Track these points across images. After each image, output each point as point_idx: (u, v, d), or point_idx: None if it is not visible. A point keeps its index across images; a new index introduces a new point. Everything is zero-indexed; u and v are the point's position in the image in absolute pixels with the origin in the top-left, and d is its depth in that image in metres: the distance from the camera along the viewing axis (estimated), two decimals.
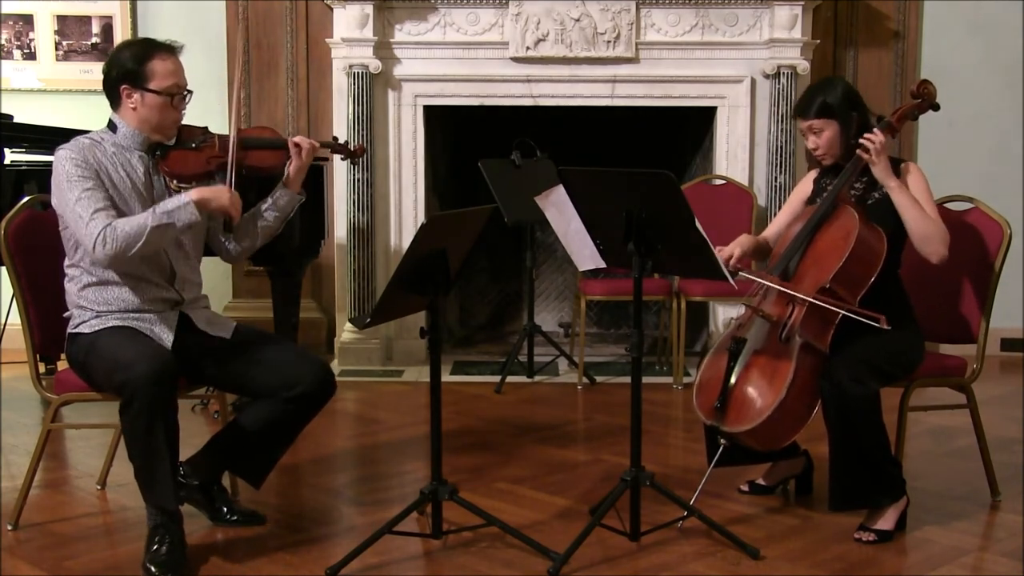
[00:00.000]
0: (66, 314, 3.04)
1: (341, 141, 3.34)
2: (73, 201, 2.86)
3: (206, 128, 3.14)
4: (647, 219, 2.83)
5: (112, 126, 3.03)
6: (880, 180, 3.14)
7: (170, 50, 3.01)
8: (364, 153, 3.39)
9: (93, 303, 2.96)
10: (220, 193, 2.97)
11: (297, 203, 3.21)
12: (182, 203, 2.90)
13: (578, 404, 4.85)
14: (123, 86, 2.97)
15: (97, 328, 2.94)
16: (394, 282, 2.81)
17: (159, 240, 2.89)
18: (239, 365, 3.03)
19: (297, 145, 3.13)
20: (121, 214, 2.91)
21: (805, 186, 3.44)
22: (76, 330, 2.98)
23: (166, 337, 2.97)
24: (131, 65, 2.96)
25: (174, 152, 3.05)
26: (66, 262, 3.03)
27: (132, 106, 2.98)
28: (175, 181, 3.05)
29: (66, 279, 3.03)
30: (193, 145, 3.07)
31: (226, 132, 3.09)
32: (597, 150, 5.84)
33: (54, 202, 2.94)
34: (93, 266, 2.96)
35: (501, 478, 3.67)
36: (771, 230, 3.47)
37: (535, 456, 3.95)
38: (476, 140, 5.75)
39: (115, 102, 3.02)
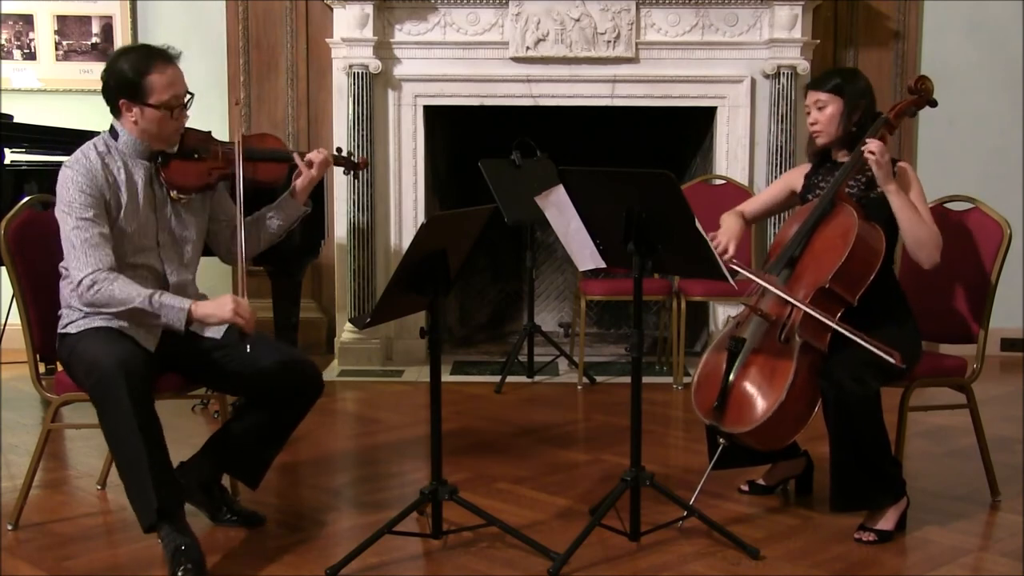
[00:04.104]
0: (58, 312, 3.03)
1: (344, 153, 3.34)
2: (69, 229, 2.86)
3: (209, 134, 3.12)
4: (647, 219, 2.83)
5: (114, 132, 3.00)
6: (880, 184, 3.13)
7: (168, 59, 2.95)
8: (367, 166, 3.32)
9: None
10: (222, 308, 2.84)
11: (302, 214, 3.22)
12: (180, 307, 2.84)
13: (578, 404, 4.85)
14: (121, 100, 2.93)
15: (83, 328, 2.91)
16: (394, 282, 2.81)
17: (138, 316, 2.86)
18: (229, 366, 3.01)
19: (310, 162, 3.13)
20: (120, 240, 2.91)
21: (795, 177, 3.41)
22: (64, 330, 2.97)
23: (151, 339, 2.93)
24: (129, 77, 2.90)
25: (175, 161, 3.01)
26: (62, 262, 3.01)
27: (132, 119, 2.94)
28: (175, 192, 3.02)
29: (61, 278, 3.02)
30: (196, 155, 3.04)
31: (228, 138, 3.06)
32: (597, 150, 5.84)
33: (56, 212, 2.93)
34: None
35: (501, 478, 3.66)
36: (751, 206, 3.45)
37: (535, 456, 3.95)
38: (476, 140, 5.75)
39: (115, 111, 2.98)
